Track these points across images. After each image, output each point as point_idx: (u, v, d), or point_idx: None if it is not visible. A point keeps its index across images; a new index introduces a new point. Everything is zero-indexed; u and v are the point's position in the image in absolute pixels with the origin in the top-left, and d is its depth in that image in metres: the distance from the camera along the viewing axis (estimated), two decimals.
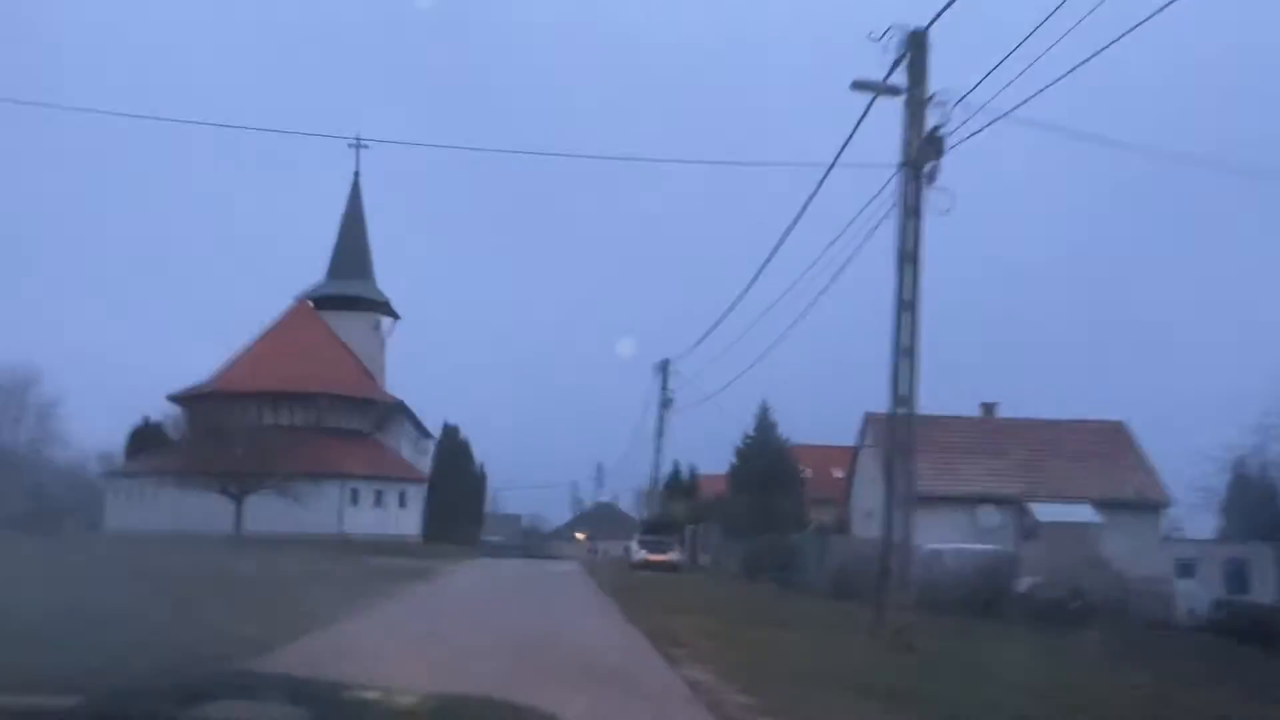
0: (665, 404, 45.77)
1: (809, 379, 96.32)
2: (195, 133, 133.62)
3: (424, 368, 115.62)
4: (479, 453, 72.71)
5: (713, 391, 45.13)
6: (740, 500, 44.75)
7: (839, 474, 52.75)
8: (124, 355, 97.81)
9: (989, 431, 42.37)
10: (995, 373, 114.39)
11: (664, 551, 41.62)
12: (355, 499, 57.77)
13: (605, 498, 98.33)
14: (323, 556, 37.03)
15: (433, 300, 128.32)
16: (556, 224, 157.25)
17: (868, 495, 42.24)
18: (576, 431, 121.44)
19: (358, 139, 72.94)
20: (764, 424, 46.84)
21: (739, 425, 47.22)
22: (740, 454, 46.98)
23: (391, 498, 59.66)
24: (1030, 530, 38.80)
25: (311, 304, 69.30)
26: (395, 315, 74.72)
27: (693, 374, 47.30)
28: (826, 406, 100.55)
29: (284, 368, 59.58)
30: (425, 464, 69.19)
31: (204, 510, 49.86)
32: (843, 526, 43.13)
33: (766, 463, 45.35)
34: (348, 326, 69.33)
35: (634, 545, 43.41)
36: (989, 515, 39.09)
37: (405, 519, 59.89)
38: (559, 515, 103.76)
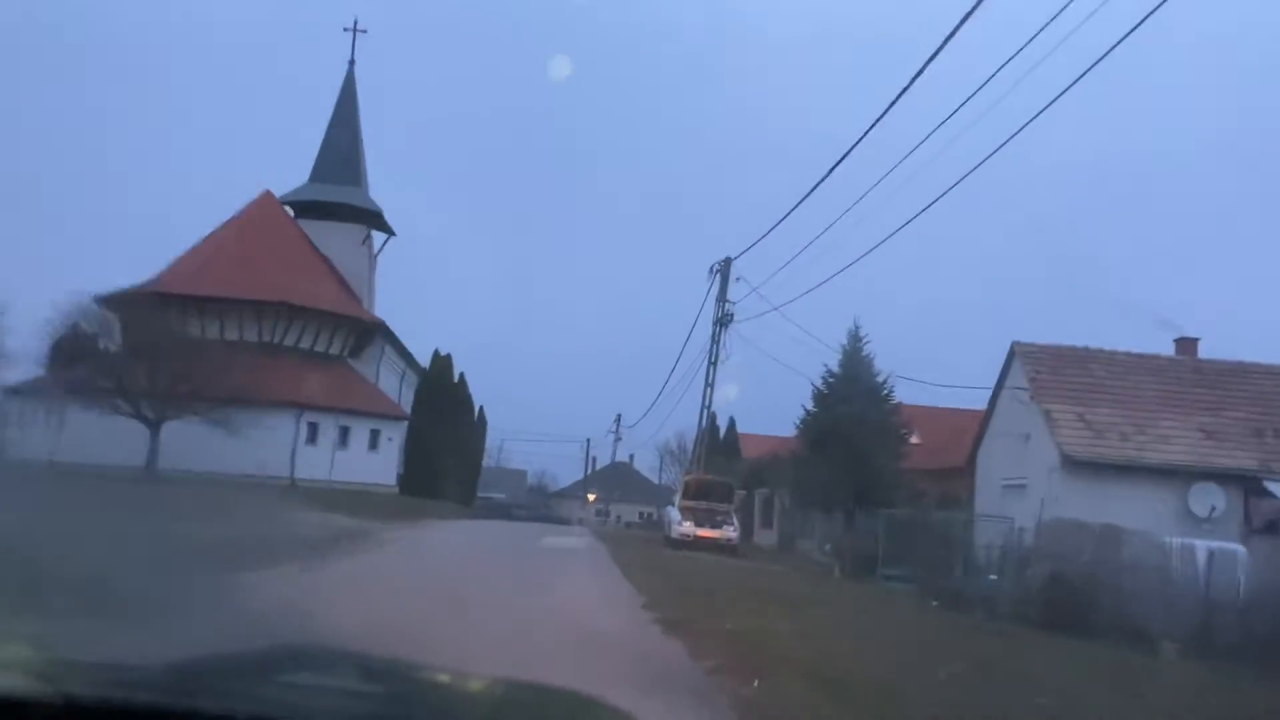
0: (724, 321, 32.27)
1: (884, 322, 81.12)
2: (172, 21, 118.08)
3: (423, 300, 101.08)
4: (479, 397, 59.97)
5: (781, 303, 31.40)
6: (822, 459, 31.16)
7: (915, 440, 39.20)
8: (90, 266, 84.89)
9: (1196, 378, 28.61)
10: (1178, 298, 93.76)
11: (718, 525, 28.27)
12: (313, 435, 44.53)
13: (622, 456, 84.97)
14: (216, 505, 24.24)
15: (439, 228, 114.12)
16: (588, 143, 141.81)
17: (1010, 460, 28.67)
18: (595, 384, 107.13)
19: (355, 23, 60.46)
20: (854, 358, 33.18)
21: (802, 371, 33.78)
22: (820, 398, 33.36)
23: (360, 437, 46.41)
24: (1269, 521, 25.20)
25: (289, 208, 55.93)
26: (389, 231, 61.48)
27: (749, 310, 33.87)
28: (904, 357, 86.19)
29: (237, 270, 46.25)
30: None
31: (117, 439, 37.26)
32: (959, 502, 29.56)
33: (857, 409, 31.70)
34: (330, 237, 56.02)
35: (673, 513, 29.99)
36: (1207, 494, 25.47)
37: (377, 465, 46.68)
38: (570, 474, 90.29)
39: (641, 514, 78.94)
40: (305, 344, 47.90)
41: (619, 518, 76.83)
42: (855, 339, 33.33)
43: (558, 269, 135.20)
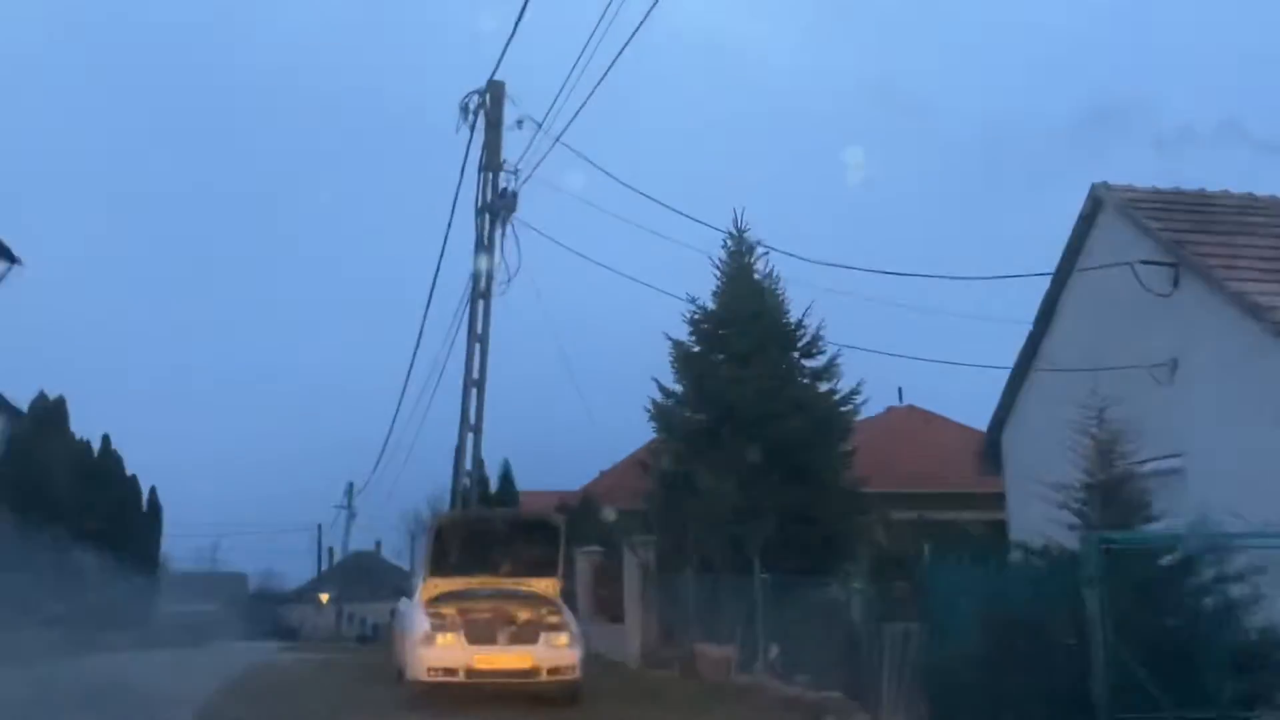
0: (495, 208, 14.70)
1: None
2: None
3: (78, 363, 74.00)
4: (160, 483, 40.70)
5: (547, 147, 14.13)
6: (718, 472, 14.42)
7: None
8: None
9: None
10: None
11: (529, 637, 10.46)
12: None
13: (366, 543, 64.93)
14: None
15: (98, 271, 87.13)
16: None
17: None
18: (325, 451, 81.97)
19: None
20: (741, 278, 16.92)
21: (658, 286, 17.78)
22: (687, 363, 16.68)
23: None
24: None
25: None
26: (11, 257, 40.25)
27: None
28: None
29: None
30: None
31: None
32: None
33: (767, 371, 15.31)
34: None
35: (412, 616, 11.57)
36: None
37: None
38: (305, 571, 68.66)
39: (394, 613, 58.79)
40: None
41: (364, 620, 56.85)
42: (740, 243, 16.91)
43: (258, 311, 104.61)
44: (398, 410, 19.99)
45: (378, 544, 67.67)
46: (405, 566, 60.02)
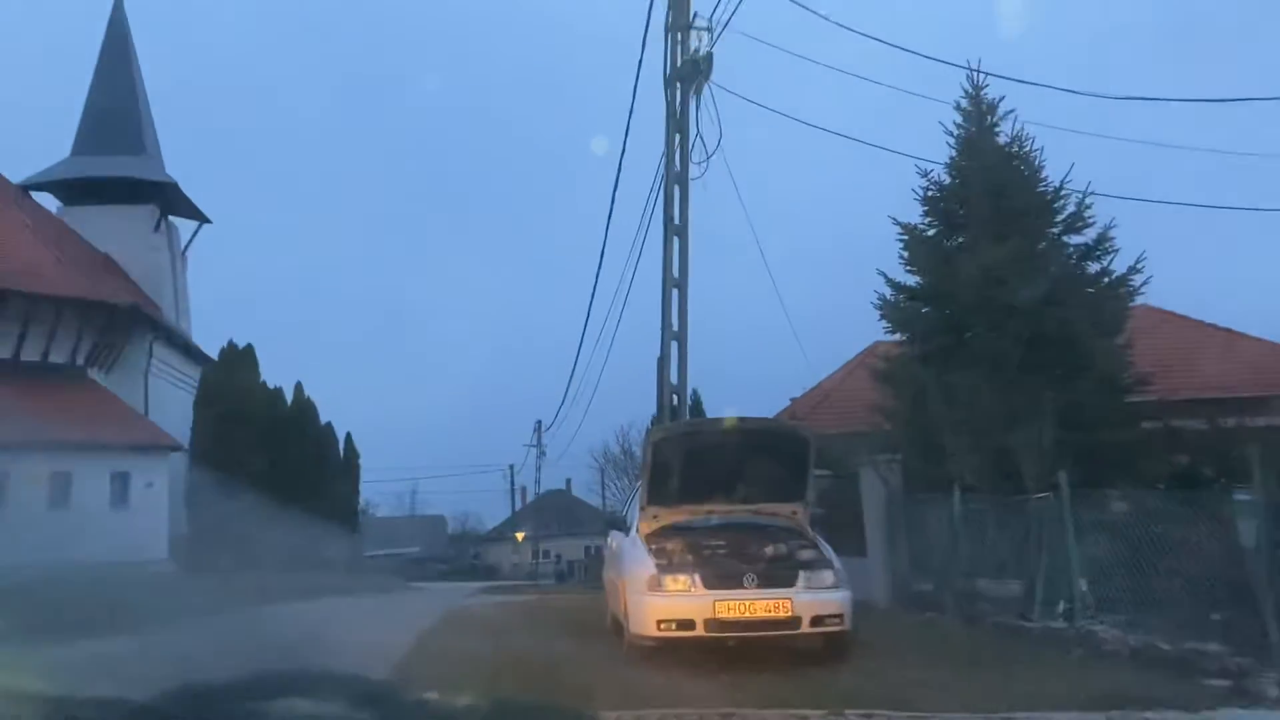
0: (684, 70, 12.28)
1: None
2: None
3: (273, 320, 76.53)
4: (356, 428, 41.06)
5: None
6: (972, 367, 11.57)
7: None
8: None
9: None
10: None
11: (784, 576, 8.23)
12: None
13: (557, 481, 64.74)
14: None
15: (282, 226, 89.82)
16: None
17: None
18: (513, 393, 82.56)
19: None
20: (982, 142, 13.82)
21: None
22: (922, 250, 13.85)
23: (94, 486, 25.97)
24: None
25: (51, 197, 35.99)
26: (200, 216, 41.29)
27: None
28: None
29: None
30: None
31: None
32: None
33: (1025, 255, 12.33)
34: (105, 225, 36.10)
35: (632, 555, 8.90)
36: None
37: (132, 527, 26.17)
38: (499, 512, 69.11)
39: (588, 549, 58.78)
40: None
41: (559, 557, 56.47)
42: (977, 102, 13.98)
43: (443, 255, 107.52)
44: (584, 330, 17.91)
45: (568, 481, 67.50)
46: (595, 503, 59.42)
